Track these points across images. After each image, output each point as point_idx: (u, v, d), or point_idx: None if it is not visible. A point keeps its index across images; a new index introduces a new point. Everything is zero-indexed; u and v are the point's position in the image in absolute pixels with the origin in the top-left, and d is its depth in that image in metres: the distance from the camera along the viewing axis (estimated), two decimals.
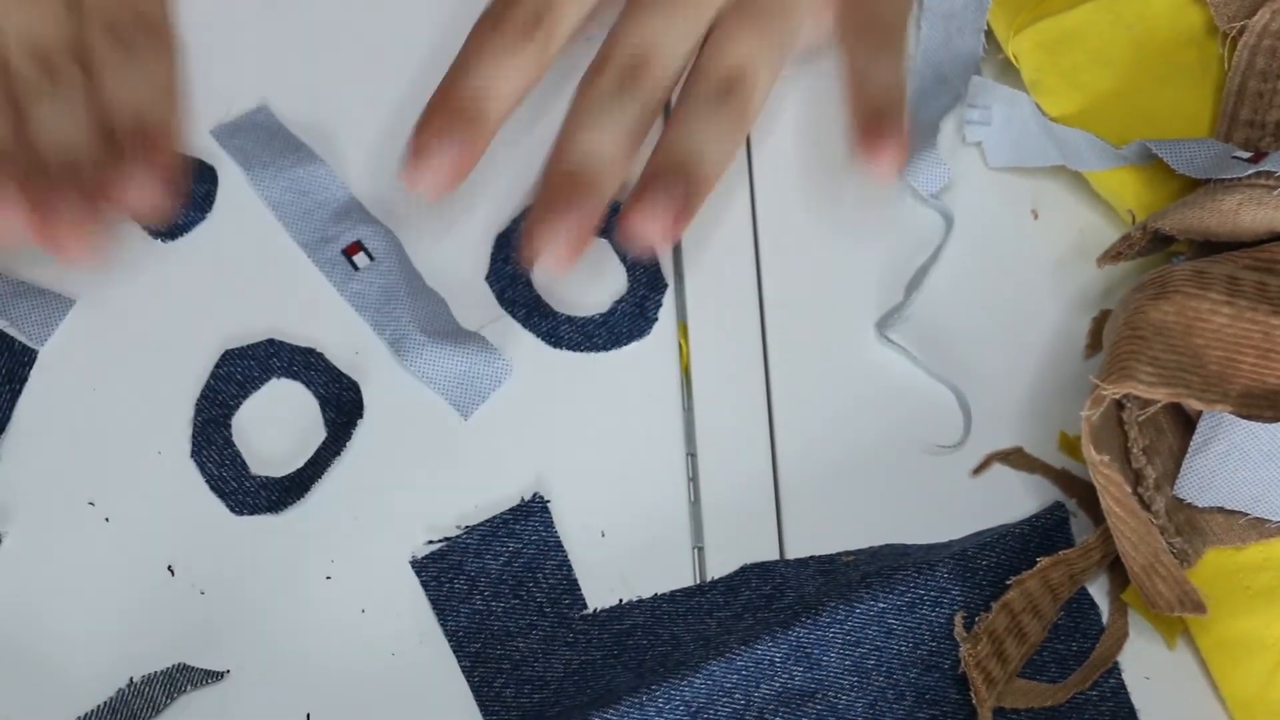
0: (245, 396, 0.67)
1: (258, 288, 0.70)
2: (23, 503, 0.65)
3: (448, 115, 0.63)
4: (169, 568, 0.64)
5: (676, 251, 0.71)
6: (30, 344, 0.68)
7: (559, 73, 0.74)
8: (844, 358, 0.68)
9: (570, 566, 0.64)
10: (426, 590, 0.64)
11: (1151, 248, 0.64)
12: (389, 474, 0.66)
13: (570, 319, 0.69)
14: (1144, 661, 0.62)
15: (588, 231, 0.62)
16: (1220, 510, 0.61)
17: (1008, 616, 0.60)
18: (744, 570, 0.64)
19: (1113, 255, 0.64)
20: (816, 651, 0.60)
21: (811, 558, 0.64)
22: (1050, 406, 0.66)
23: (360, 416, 0.66)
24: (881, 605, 0.61)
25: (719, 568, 0.64)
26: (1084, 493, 0.64)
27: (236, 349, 0.68)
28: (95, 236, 0.61)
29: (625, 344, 0.68)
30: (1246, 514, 0.60)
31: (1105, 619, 0.63)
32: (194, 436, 0.66)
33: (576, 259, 0.62)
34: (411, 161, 0.62)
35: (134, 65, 0.64)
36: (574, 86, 0.73)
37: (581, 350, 0.68)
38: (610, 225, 0.70)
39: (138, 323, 0.69)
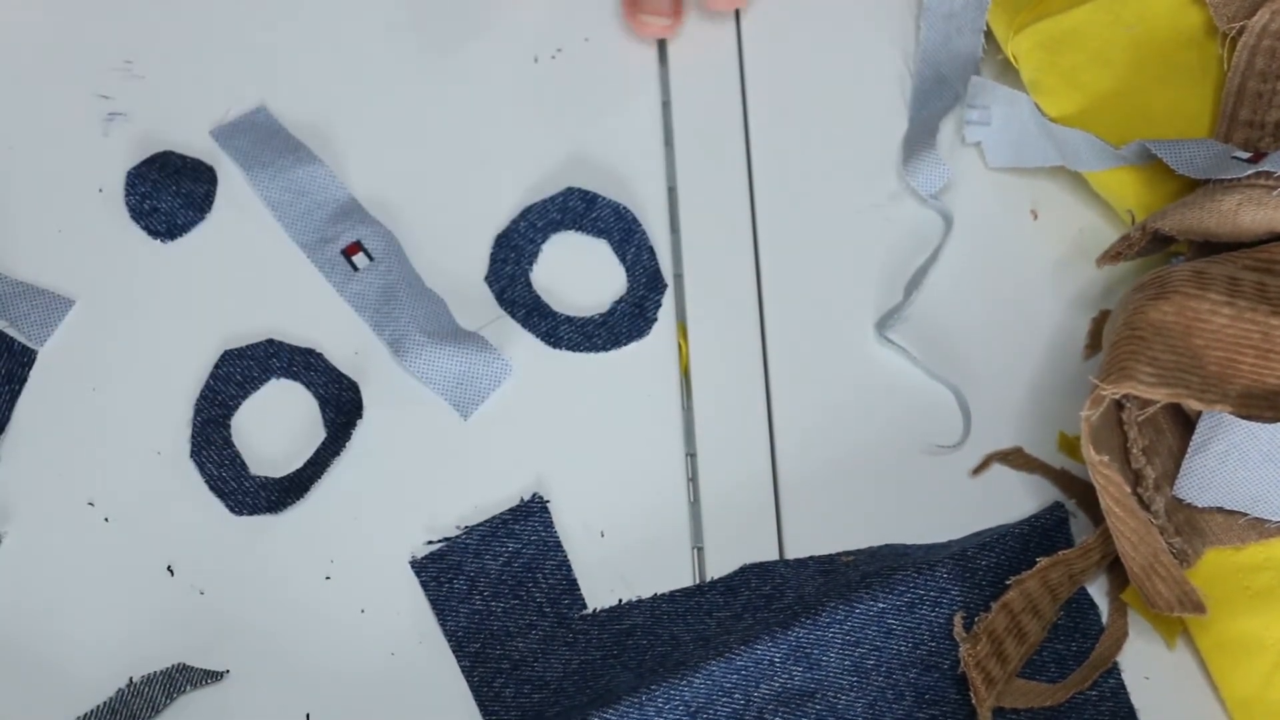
0: (245, 397, 0.67)
1: (257, 288, 0.70)
2: (23, 503, 0.65)
3: None
4: (169, 568, 0.64)
5: (676, 251, 0.71)
6: (30, 344, 0.68)
7: (555, 76, 0.75)
8: (843, 358, 0.68)
9: (570, 566, 0.64)
10: (426, 590, 0.64)
11: (1151, 248, 0.64)
12: (389, 474, 0.66)
13: (570, 319, 0.69)
14: (1144, 661, 0.62)
15: None
16: (1220, 510, 0.61)
17: (1007, 617, 0.60)
18: (743, 570, 0.64)
19: (1112, 255, 0.64)
20: (816, 651, 0.60)
21: (811, 558, 0.64)
22: (1050, 406, 0.66)
23: (360, 416, 0.66)
24: (881, 605, 0.61)
25: (718, 568, 0.64)
26: (1084, 493, 0.64)
27: (236, 349, 0.68)
28: None
29: (625, 344, 0.68)
30: (1246, 514, 0.60)
31: (1105, 619, 0.62)
32: (193, 436, 0.66)
33: None
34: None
35: None
36: (570, 90, 0.74)
37: (581, 350, 0.68)
38: (610, 225, 0.70)
39: (137, 323, 0.69)
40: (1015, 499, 0.65)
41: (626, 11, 0.74)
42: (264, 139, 0.72)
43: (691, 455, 0.67)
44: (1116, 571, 0.63)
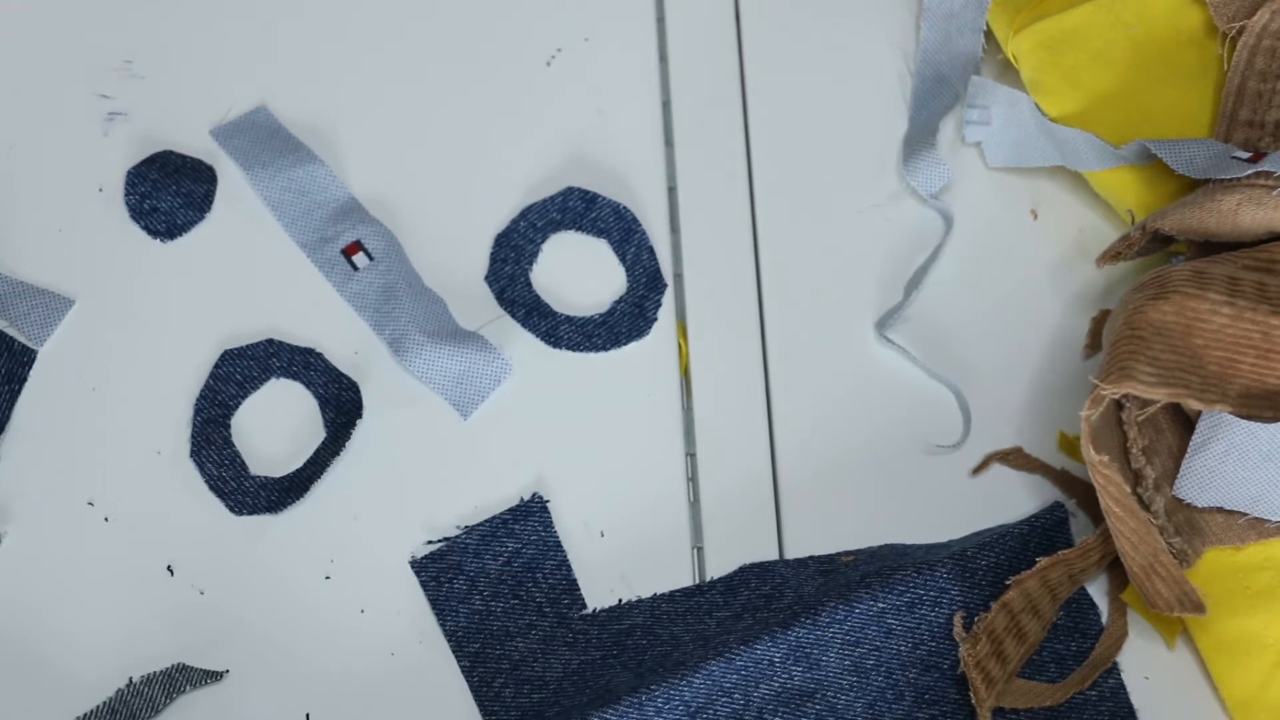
0: (245, 396, 0.67)
1: (257, 288, 0.70)
2: (23, 503, 0.65)
3: None
4: (169, 568, 0.64)
5: (676, 251, 0.71)
6: (30, 344, 0.68)
7: (555, 76, 0.75)
8: (843, 358, 0.68)
9: (569, 566, 0.64)
10: (426, 590, 0.64)
11: (1151, 248, 0.64)
12: (389, 474, 0.66)
13: (570, 319, 0.69)
14: (1144, 661, 0.62)
15: None
16: (1219, 510, 0.61)
17: (1007, 616, 0.60)
18: (743, 570, 0.64)
19: (1112, 255, 0.64)
20: (816, 651, 0.60)
21: (811, 558, 0.64)
22: (1050, 406, 0.66)
23: (360, 416, 0.66)
24: (881, 605, 0.61)
25: (718, 567, 0.64)
26: (1084, 493, 0.64)
27: (236, 349, 0.68)
28: None
29: (625, 344, 0.68)
30: (1246, 514, 0.60)
31: (1105, 619, 0.62)
32: (193, 436, 0.66)
33: None
34: None
35: None
36: (570, 90, 0.74)
37: (581, 350, 0.68)
38: (610, 225, 0.70)
39: (137, 323, 0.69)
40: (1015, 499, 0.65)
41: None
42: (264, 139, 0.72)
43: (691, 455, 0.67)
44: (1116, 571, 0.63)
